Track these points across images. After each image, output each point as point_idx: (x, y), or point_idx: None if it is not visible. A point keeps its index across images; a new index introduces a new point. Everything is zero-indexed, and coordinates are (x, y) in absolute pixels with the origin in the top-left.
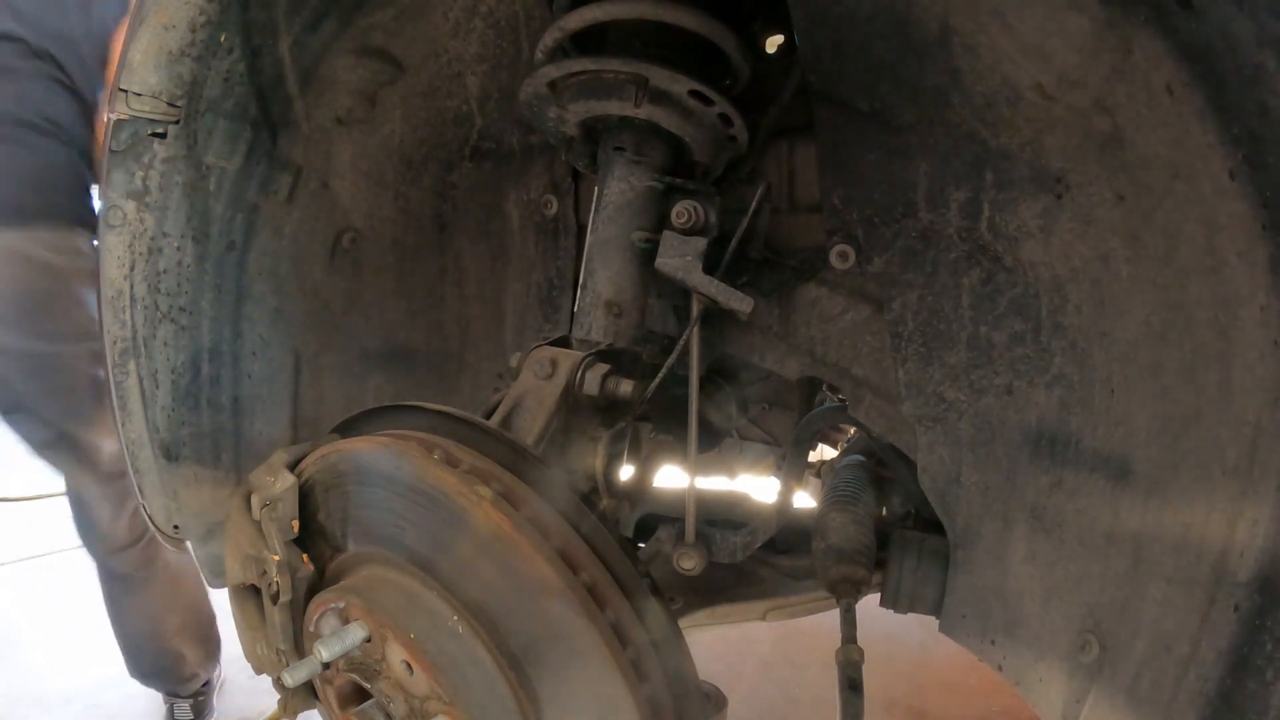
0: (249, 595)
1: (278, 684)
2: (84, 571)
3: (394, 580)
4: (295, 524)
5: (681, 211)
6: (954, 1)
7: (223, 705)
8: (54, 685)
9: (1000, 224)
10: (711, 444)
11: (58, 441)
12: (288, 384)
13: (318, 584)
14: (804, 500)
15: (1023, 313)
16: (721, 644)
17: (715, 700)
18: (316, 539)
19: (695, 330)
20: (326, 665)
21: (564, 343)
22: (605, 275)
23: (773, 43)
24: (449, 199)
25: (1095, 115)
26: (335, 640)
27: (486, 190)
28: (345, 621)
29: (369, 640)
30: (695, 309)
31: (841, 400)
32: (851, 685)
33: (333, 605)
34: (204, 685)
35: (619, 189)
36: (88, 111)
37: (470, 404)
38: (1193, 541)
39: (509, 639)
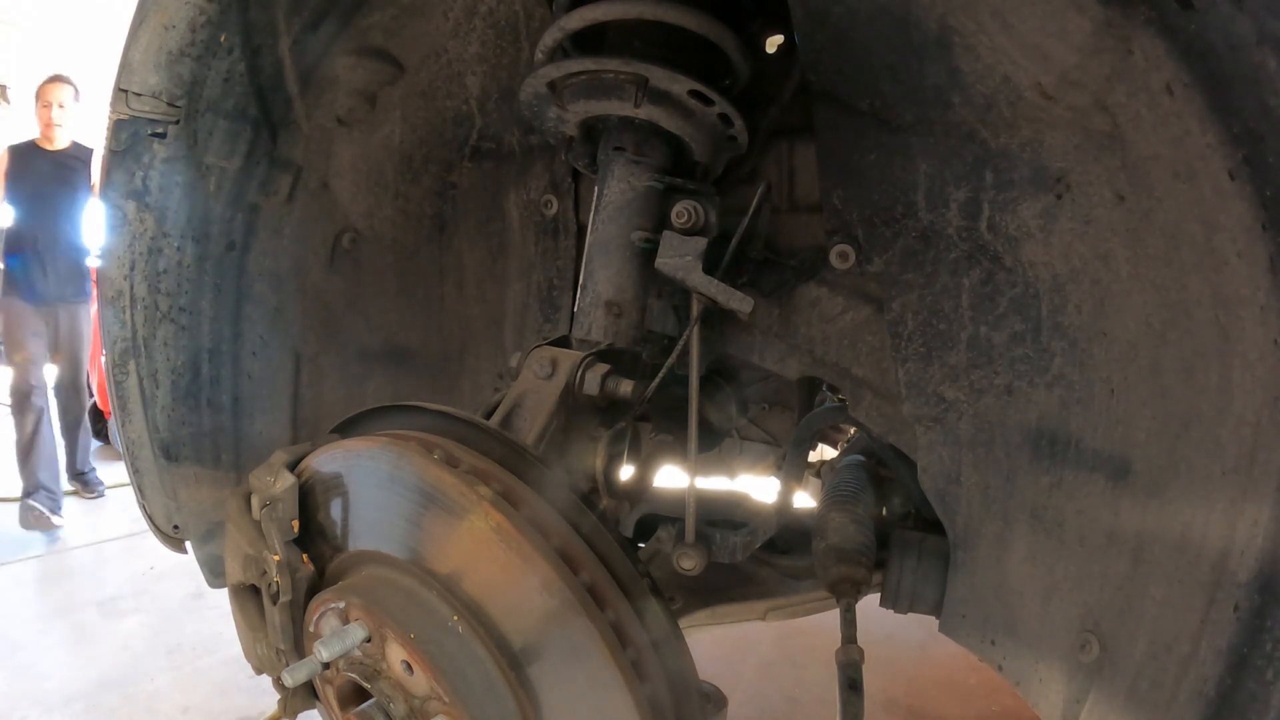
0: (249, 595)
1: (278, 684)
2: (84, 571)
3: (394, 580)
4: (295, 524)
5: (681, 211)
6: (954, 1)
7: (223, 705)
8: (54, 685)
9: (1000, 224)
10: (711, 444)
11: None
12: (288, 384)
13: (318, 584)
14: (804, 500)
15: (1023, 313)
16: (721, 644)
17: (715, 700)
18: (316, 539)
19: (695, 330)
20: (326, 665)
21: (564, 343)
22: (605, 275)
23: (773, 43)
24: (449, 199)
25: (1095, 115)
26: (335, 640)
27: (486, 190)
28: (345, 621)
29: (369, 640)
30: (695, 309)
31: (841, 400)
32: (851, 685)
33: (333, 605)
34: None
35: (619, 189)
36: None
37: (470, 404)
38: (1193, 541)
39: (509, 639)
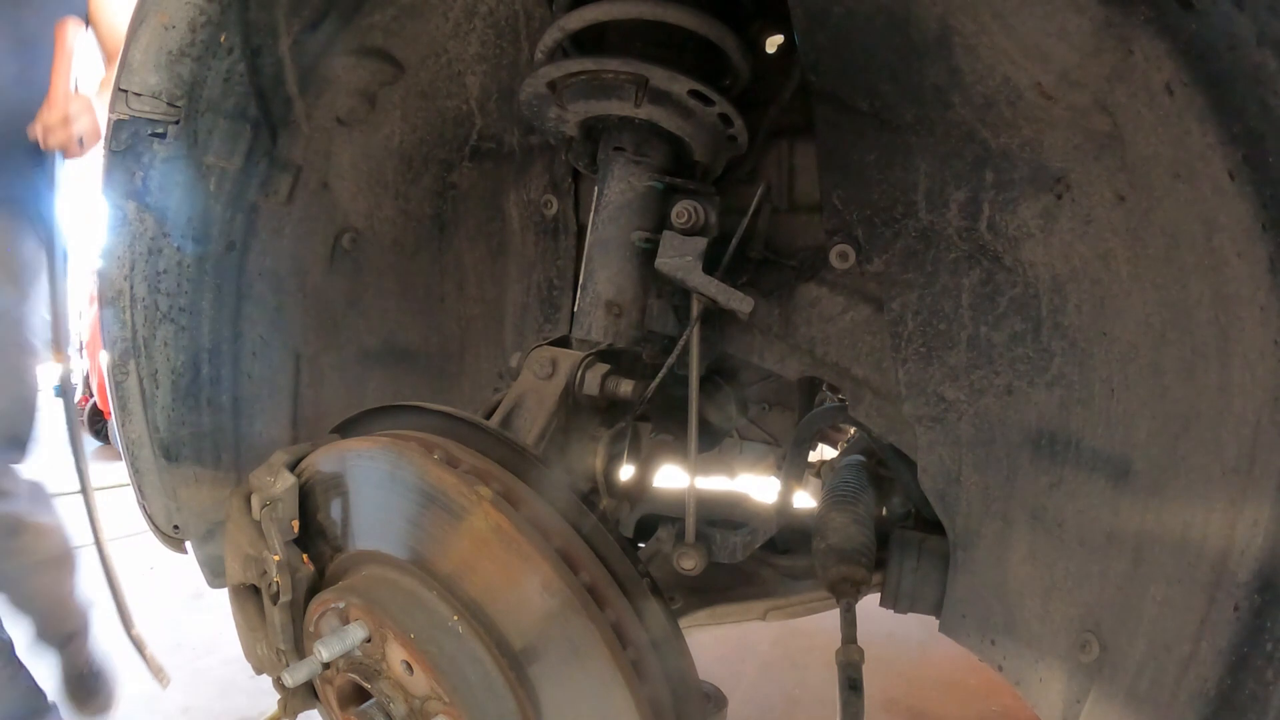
0: (249, 595)
1: (278, 684)
2: (83, 571)
3: (394, 580)
4: (295, 524)
5: (681, 211)
6: (954, 1)
7: (223, 705)
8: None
9: (1000, 224)
10: (711, 444)
11: None
12: (288, 384)
13: (318, 584)
14: (804, 500)
15: (1023, 313)
16: (721, 644)
17: (715, 700)
18: (316, 539)
19: (695, 330)
20: (326, 665)
21: (564, 343)
22: (605, 275)
23: (773, 43)
24: (449, 199)
25: (1095, 115)
26: (335, 640)
27: (486, 190)
28: (345, 621)
29: (369, 640)
30: (695, 309)
31: (841, 400)
32: (851, 685)
33: (333, 605)
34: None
35: (619, 189)
36: None
37: (470, 404)
38: (1193, 541)
39: (509, 639)
